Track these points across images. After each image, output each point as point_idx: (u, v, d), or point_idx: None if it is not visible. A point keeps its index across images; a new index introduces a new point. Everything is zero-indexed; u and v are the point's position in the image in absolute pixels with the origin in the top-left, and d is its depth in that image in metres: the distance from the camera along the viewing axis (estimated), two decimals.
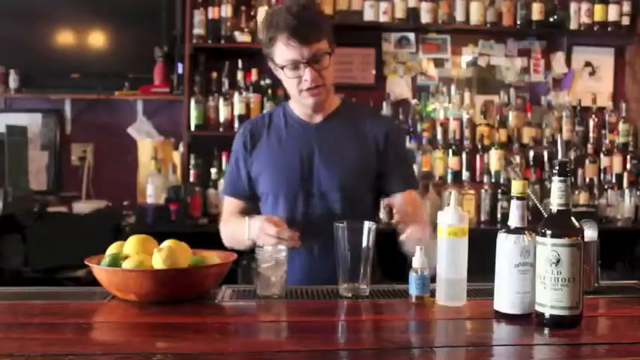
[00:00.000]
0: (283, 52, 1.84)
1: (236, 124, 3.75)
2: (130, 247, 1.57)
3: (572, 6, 4.00)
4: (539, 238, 1.29)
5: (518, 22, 3.98)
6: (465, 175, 3.95)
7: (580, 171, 3.99)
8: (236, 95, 3.78)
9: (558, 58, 4.18)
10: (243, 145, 2.02)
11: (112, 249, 1.58)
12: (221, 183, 3.70)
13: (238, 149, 2.04)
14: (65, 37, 3.97)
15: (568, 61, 4.21)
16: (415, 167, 3.90)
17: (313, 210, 1.91)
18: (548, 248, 1.27)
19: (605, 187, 4.00)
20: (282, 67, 1.86)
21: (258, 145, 2.00)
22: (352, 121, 2.00)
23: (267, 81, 3.82)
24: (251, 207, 2.02)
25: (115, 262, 1.51)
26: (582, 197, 3.92)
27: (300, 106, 1.98)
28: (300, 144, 1.96)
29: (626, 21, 4.01)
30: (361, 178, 1.94)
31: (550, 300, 1.27)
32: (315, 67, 1.85)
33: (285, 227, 1.75)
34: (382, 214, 3.30)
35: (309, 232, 1.88)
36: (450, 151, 3.94)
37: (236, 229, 1.93)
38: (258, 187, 2.00)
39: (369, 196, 1.98)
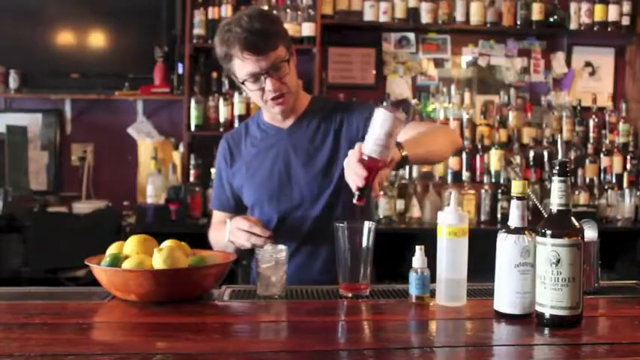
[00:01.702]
0: (241, 67, 1.80)
1: (236, 124, 3.74)
2: (130, 247, 1.57)
3: (572, 6, 4.00)
4: (539, 238, 1.29)
5: (518, 22, 3.98)
6: (465, 175, 3.96)
7: (580, 171, 3.99)
8: (236, 95, 3.78)
9: (558, 58, 4.18)
10: (223, 160, 2.03)
11: (112, 249, 1.58)
12: None
13: (220, 164, 2.04)
14: (65, 37, 3.97)
15: (568, 61, 4.21)
16: (415, 167, 3.91)
17: (299, 211, 1.90)
18: (548, 248, 1.27)
19: (605, 187, 4.00)
20: (242, 82, 1.83)
21: (237, 158, 2.00)
22: (323, 117, 1.95)
23: None
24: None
25: (115, 262, 1.51)
26: (582, 197, 3.93)
27: (269, 113, 1.97)
28: (275, 151, 1.95)
29: (626, 21, 4.01)
30: (340, 174, 1.84)
31: (550, 300, 1.26)
32: (275, 75, 1.81)
33: (258, 224, 1.74)
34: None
35: (297, 235, 1.88)
36: None
37: (219, 234, 1.92)
38: (242, 198, 2.01)
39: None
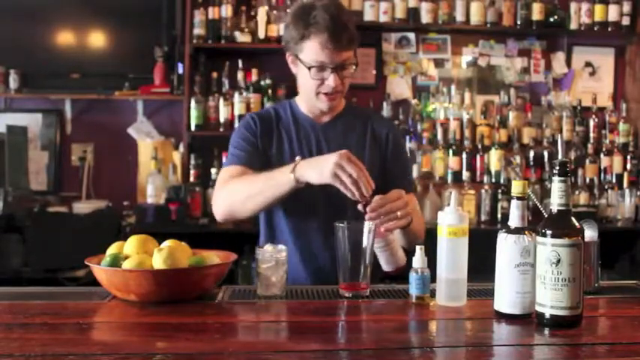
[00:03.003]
0: (315, 53, 1.80)
1: (236, 124, 3.75)
2: (130, 247, 1.57)
3: (572, 6, 4.00)
4: (539, 238, 1.29)
5: (518, 22, 3.98)
6: (465, 175, 3.95)
7: (580, 171, 3.99)
8: (236, 95, 3.78)
9: (558, 58, 4.18)
10: (252, 131, 1.93)
11: (112, 249, 1.58)
12: None
13: (247, 132, 1.93)
14: (65, 37, 3.97)
15: (568, 61, 4.21)
16: (415, 167, 3.91)
17: (324, 208, 1.88)
18: (548, 248, 1.27)
19: (605, 187, 4.00)
20: (308, 68, 1.83)
21: (267, 141, 1.94)
22: (357, 121, 2.00)
23: (267, 81, 3.82)
24: None
25: (115, 262, 1.51)
26: (582, 197, 3.92)
27: (309, 105, 1.96)
28: (309, 143, 1.94)
29: (626, 21, 4.01)
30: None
31: (550, 300, 1.27)
32: (341, 74, 1.84)
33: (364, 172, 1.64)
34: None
35: (318, 231, 1.87)
36: (450, 151, 3.94)
37: (257, 177, 1.78)
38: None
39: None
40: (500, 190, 3.89)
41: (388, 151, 1.98)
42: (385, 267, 1.75)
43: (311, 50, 1.81)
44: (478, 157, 3.96)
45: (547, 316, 1.27)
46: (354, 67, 1.87)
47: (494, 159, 3.95)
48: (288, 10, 3.77)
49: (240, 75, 3.85)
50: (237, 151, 1.91)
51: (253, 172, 1.83)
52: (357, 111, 2.10)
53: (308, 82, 1.87)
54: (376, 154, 1.96)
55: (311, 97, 1.90)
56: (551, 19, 4.00)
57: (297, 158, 1.74)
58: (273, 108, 2.04)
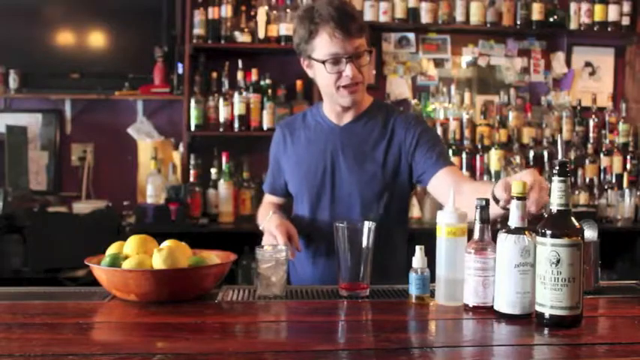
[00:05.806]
0: (326, 46, 1.81)
1: (236, 124, 3.75)
2: (130, 247, 1.57)
3: (572, 6, 4.00)
4: (539, 238, 1.29)
5: (518, 22, 3.98)
6: (465, 175, 3.95)
7: (580, 171, 3.99)
8: (236, 95, 3.78)
9: (558, 58, 4.18)
10: (276, 146, 2.05)
11: (112, 249, 1.59)
12: (221, 183, 3.71)
13: (277, 146, 2.05)
14: (65, 37, 3.97)
15: (568, 61, 4.21)
16: None
17: (336, 212, 1.89)
18: (548, 248, 1.27)
19: (605, 187, 4.00)
20: (323, 62, 1.82)
21: (290, 145, 2.00)
22: (378, 122, 1.95)
23: (267, 81, 3.82)
24: (286, 202, 2.12)
25: (115, 262, 1.51)
26: (582, 197, 3.92)
27: (330, 105, 1.95)
28: (325, 145, 1.94)
29: (626, 21, 4.02)
30: (384, 183, 1.90)
31: (550, 300, 1.27)
32: (356, 62, 1.83)
33: (293, 239, 1.78)
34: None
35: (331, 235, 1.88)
36: (450, 151, 3.94)
37: (263, 216, 2.01)
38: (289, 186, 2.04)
39: (396, 200, 1.95)
40: None
41: (411, 147, 1.91)
42: None
43: (321, 44, 1.81)
44: (478, 157, 3.96)
45: (547, 316, 1.27)
46: (368, 54, 1.85)
47: (494, 159, 3.95)
48: (288, 10, 3.78)
49: (240, 75, 3.85)
50: (268, 176, 2.13)
51: (276, 198, 2.12)
52: (382, 110, 2.00)
53: (326, 78, 1.86)
54: (395, 155, 1.92)
55: (332, 94, 1.89)
56: (551, 19, 4.00)
57: (270, 213, 1.89)
58: (304, 112, 2.09)
